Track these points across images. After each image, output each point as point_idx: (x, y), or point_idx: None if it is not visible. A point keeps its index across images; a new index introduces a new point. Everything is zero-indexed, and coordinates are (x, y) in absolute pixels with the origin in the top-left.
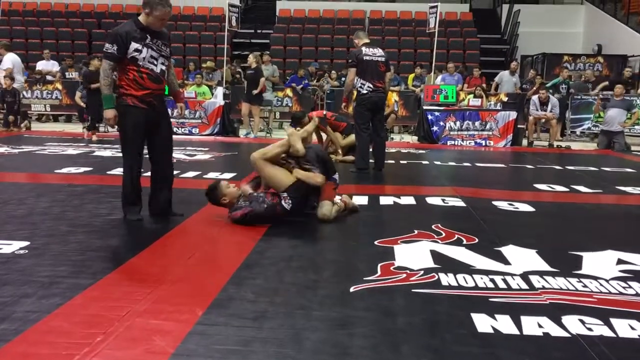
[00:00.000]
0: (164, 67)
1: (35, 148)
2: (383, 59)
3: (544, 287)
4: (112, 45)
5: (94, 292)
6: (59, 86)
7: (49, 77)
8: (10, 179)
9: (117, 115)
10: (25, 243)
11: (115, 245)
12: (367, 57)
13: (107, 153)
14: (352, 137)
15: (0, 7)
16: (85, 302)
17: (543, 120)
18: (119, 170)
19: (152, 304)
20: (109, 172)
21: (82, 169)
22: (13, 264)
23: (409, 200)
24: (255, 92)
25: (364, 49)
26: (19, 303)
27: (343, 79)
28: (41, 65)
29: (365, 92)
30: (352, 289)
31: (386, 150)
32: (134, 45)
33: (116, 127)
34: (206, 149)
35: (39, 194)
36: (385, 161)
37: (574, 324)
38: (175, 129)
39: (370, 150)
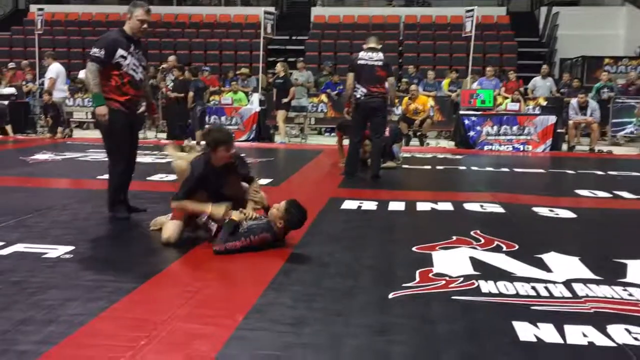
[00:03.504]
0: (142, 76)
1: (78, 155)
2: (380, 63)
3: (587, 296)
4: (100, 50)
5: (137, 295)
6: None
7: None
8: (54, 185)
9: (107, 113)
10: (70, 248)
11: (156, 250)
12: (362, 62)
13: (146, 159)
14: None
15: (44, 18)
16: (129, 305)
17: (583, 124)
18: (158, 177)
19: (193, 309)
20: (148, 178)
21: None
22: (59, 268)
23: (446, 206)
24: (285, 100)
25: (361, 53)
26: (65, 306)
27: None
28: (83, 74)
29: (358, 96)
30: (390, 296)
31: (422, 156)
32: (120, 52)
33: (101, 131)
34: (242, 154)
35: (82, 199)
36: (422, 167)
37: (619, 333)
38: None
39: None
